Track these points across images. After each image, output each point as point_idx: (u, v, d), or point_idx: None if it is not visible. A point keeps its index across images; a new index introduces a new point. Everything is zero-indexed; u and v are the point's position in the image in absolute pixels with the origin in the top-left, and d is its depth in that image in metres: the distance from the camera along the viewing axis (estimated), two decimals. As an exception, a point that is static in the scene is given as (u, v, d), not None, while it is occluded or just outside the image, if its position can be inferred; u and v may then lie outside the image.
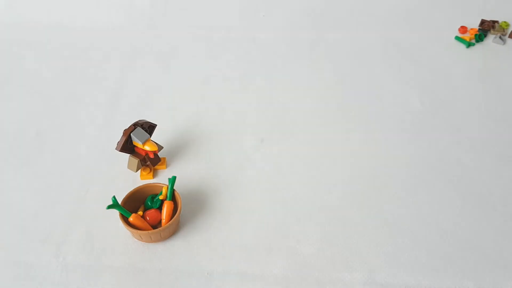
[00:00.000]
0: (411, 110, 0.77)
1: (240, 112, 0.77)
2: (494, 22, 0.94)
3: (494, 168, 0.67)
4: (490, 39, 0.92)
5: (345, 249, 0.58)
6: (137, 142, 0.63)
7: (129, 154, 0.65)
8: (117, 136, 0.65)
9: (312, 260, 0.57)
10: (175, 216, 0.58)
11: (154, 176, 0.67)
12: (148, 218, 0.59)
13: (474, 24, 0.95)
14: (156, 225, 0.59)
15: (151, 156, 0.66)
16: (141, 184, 0.62)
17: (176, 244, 0.59)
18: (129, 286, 0.55)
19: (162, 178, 0.67)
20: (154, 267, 0.56)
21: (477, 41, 0.91)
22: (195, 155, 0.70)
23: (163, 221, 0.58)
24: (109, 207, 0.56)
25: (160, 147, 0.66)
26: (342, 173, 0.67)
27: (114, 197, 0.57)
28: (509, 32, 0.93)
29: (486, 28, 0.93)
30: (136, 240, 0.59)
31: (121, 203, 0.59)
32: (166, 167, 0.68)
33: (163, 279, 0.55)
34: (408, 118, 0.76)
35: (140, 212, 0.59)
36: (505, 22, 0.94)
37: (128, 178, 0.67)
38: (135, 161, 0.65)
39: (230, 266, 0.56)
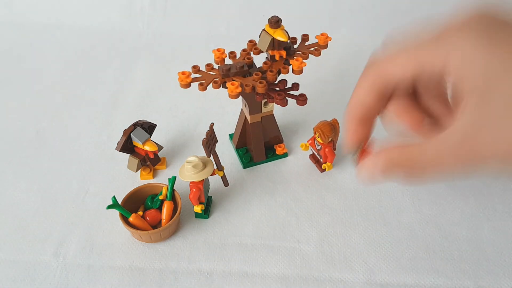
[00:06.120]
0: (411, 110, 0.77)
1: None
2: (494, 22, 0.94)
3: (494, 168, 0.67)
4: (490, 39, 0.92)
5: (345, 249, 0.58)
6: (137, 142, 0.63)
7: (129, 154, 0.65)
8: (117, 136, 0.65)
9: (312, 260, 0.57)
10: (175, 216, 0.58)
11: (154, 176, 0.67)
12: (148, 218, 0.59)
13: (474, 24, 0.94)
14: (156, 225, 0.59)
15: (151, 156, 0.66)
16: (141, 184, 0.62)
17: (176, 244, 0.59)
18: (129, 286, 0.55)
19: (162, 178, 0.67)
20: (154, 267, 0.56)
21: (477, 41, 0.91)
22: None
23: (163, 221, 0.58)
24: (109, 207, 0.56)
25: (160, 147, 0.66)
26: (342, 173, 0.67)
27: (114, 197, 0.57)
28: (509, 32, 0.93)
29: (486, 28, 0.93)
30: (136, 240, 0.59)
31: (121, 203, 0.59)
32: (166, 167, 0.68)
33: (163, 279, 0.55)
34: (408, 118, 0.75)
35: (140, 212, 0.59)
36: (505, 22, 0.94)
37: (128, 178, 0.67)
38: (135, 161, 0.65)
39: (230, 266, 0.56)
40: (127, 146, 0.64)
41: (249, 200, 0.64)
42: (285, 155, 0.69)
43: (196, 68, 0.58)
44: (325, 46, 0.61)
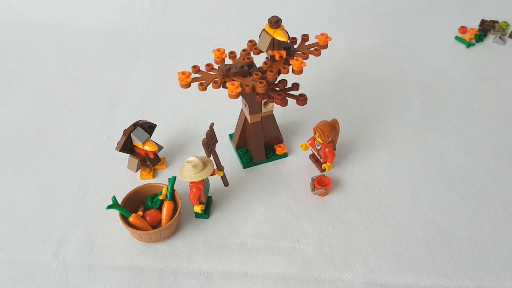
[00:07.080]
0: (411, 110, 0.77)
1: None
2: (494, 22, 0.94)
3: (494, 168, 0.67)
4: (490, 39, 0.92)
5: (345, 249, 0.58)
6: (137, 142, 0.63)
7: (129, 154, 0.65)
8: (117, 136, 0.65)
9: (312, 260, 0.57)
10: (175, 216, 0.58)
11: (154, 176, 0.67)
12: (148, 218, 0.59)
13: (474, 24, 0.95)
14: (156, 225, 0.59)
15: (151, 156, 0.66)
16: (141, 184, 0.62)
17: (176, 244, 0.59)
18: (129, 286, 0.55)
19: (162, 178, 0.67)
20: (154, 267, 0.56)
21: (477, 41, 0.91)
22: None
23: (163, 221, 0.58)
24: (109, 207, 0.56)
25: (160, 147, 0.66)
26: (342, 173, 0.67)
27: (114, 197, 0.57)
28: (509, 32, 0.93)
29: (486, 28, 0.93)
30: (136, 240, 0.59)
31: (121, 203, 0.59)
32: (166, 167, 0.68)
33: (163, 279, 0.55)
34: (408, 118, 0.76)
35: (140, 212, 0.59)
36: (505, 22, 0.94)
37: (128, 178, 0.67)
38: (135, 161, 0.65)
39: (230, 266, 0.56)
40: (127, 146, 0.64)
41: (249, 200, 0.64)
42: (285, 155, 0.69)
43: (196, 68, 0.58)
44: (325, 46, 0.61)
